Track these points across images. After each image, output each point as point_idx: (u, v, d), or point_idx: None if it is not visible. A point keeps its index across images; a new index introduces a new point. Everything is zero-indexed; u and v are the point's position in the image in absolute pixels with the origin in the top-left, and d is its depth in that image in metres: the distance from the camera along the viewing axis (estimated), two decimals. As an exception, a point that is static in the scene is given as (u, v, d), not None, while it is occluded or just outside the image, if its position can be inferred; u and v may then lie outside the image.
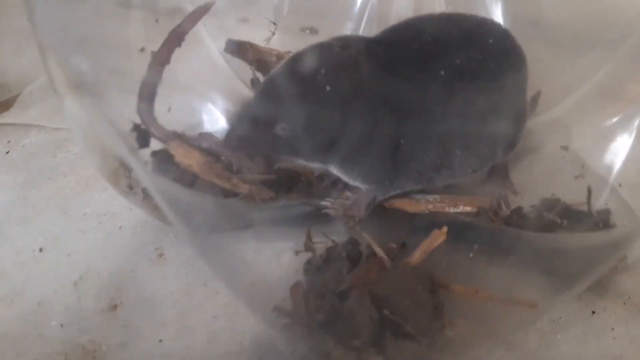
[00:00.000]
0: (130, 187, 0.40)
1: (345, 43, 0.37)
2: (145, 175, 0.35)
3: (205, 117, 0.50)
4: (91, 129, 0.36)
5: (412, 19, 0.43)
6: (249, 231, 0.41)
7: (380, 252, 0.39)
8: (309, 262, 0.38)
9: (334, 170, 0.40)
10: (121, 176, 0.39)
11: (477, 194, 0.46)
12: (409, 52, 0.38)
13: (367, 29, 0.63)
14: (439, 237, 0.38)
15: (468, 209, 0.43)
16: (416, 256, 0.38)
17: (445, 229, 0.39)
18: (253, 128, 0.37)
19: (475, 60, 0.40)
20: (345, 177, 0.40)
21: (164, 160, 0.44)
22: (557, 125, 0.52)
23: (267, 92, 0.38)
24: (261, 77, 0.58)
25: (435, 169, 0.40)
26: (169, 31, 0.46)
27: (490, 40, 0.41)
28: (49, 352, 0.35)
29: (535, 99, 0.56)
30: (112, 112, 0.38)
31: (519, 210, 0.45)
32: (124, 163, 0.37)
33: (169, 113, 0.46)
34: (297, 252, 0.38)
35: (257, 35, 0.60)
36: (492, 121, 0.41)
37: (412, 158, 0.39)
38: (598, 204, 0.46)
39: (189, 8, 0.51)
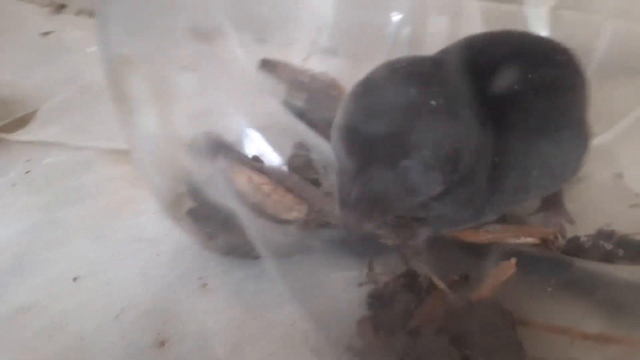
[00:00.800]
0: (190, 214, 0.37)
1: (425, 60, 0.34)
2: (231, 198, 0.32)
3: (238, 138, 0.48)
4: (165, 148, 0.33)
5: (468, 37, 0.41)
6: (307, 259, 0.38)
7: (441, 284, 0.36)
8: (372, 296, 0.36)
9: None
10: (184, 201, 0.36)
11: (532, 223, 0.44)
12: (481, 68, 0.35)
13: (401, 51, 0.61)
14: (508, 268, 0.36)
15: (530, 239, 0.41)
16: (485, 289, 0.36)
17: (514, 260, 0.37)
18: (370, 175, 0.31)
19: (546, 76, 0.38)
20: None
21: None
22: (606, 153, 0.51)
23: (369, 128, 0.31)
24: (294, 97, 0.57)
25: (513, 193, 0.37)
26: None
27: (558, 57, 0.39)
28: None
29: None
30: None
31: (575, 240, 0.44)
32: (192, 187, 0.34)
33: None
34: (360, 284, 0.36)
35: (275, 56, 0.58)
36: (565, 138, 0.39)
37: (500, 184, 0.35)
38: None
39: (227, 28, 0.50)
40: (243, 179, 0.41)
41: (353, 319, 0.35)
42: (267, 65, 0.55)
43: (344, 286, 0.37)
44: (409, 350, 0.32)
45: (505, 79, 0.36)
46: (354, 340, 0.33)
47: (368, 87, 0.32)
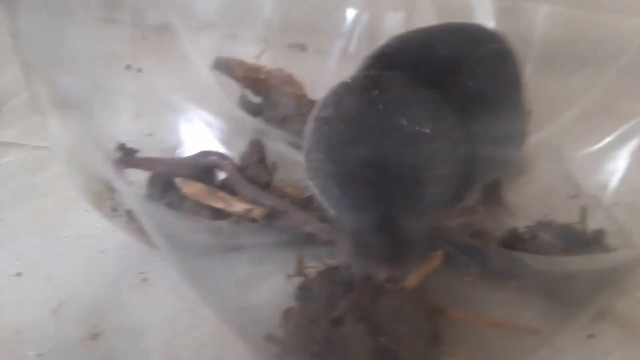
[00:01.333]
0: (114, 210, 0.38)
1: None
2: (131, 197, 0.33)
3: (190, 137, 0.49)
4: (75, 149, 0.35)
5: (400, 37, 0.41)
6: (238, 255, 0.39)
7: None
8: (301, 287, 0.37)
9: None
10: (105, 198, 0.37)
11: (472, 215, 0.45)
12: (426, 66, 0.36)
13: (357, 47, 0.62)
14: (434, 260, 0.37)
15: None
16: (411, 281, 0.37)
17: (441, 252, 0.38)
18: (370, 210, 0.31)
19: (484, 64, 0.38)
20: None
21: (159, 184, 0.43)
22: (550, 145, 0.52)
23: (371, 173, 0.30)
24: (249, 95, 0.58)
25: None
26: (156, 48, 0.45)
27: (491, 45, 0.40)
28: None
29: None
30: (97, 131, 0.37)
31: (514, 231, 0.45)
32: (108, 185, 0.35)
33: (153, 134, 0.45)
34: (288, 276, 0.37)
35: (245, 52, 0.59)
36: (506, 119, 0.39)
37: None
38: (592, 224, 0.45)
39: (177, 24, 0.51)
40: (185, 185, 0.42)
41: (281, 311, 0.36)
42: (221, 64, 0.56)
43: (275, 280, 0.38)
44: (328, 339, 0.33)
45: (451, 73, 0.36)
46: (276, 330, 0.34)
47: (351, 125, 0.31)
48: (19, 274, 0.41)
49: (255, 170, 0.46)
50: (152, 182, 0.44)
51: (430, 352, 0.33)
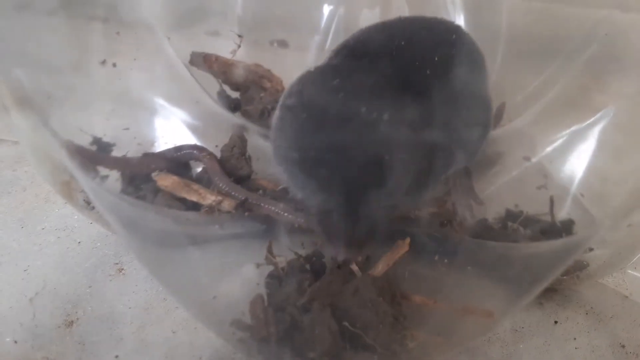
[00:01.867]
0: (88, 202, 0.39)
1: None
2: (90, 191, 0.34)
3: (166, 132, 0.49)
4: (39, 143, 0.35)
5: (363, 30, 0.42)
6: (210, 245, 0.40)
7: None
8: (270, 276, 0.38)
9: None
10: (75, 190, 0.38)
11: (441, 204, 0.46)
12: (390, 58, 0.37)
13: (335, 42, 0.63)
14: (401, 248, 0.39)
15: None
16: (379, 267, 0.38)
17: (408, 240, 0.39)
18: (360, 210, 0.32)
19: (447, 56, 0.39)
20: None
21: (132, 177, 0.44)
22: (521, 136, 0.53)
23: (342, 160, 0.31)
24: (228, 90, 0.59)
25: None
26: (131, 43, 0.46)
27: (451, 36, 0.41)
28: (4, 368, 0.34)
29: (500, 110, 0.57)
30: (67, 125, 0.38)
31: (484, 222, 0.46)
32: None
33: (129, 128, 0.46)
34: (258, 265, 0.38)
35: (227, 48, 0.59)
36: (471, 106, 0.40)
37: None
38: (561, 214, 0.46)
39: (152, 20, 0.51)
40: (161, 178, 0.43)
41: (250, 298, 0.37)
42: (198, 58, 0.56)
43: (245, 270, 0.39)
44: (294, 324, 0.34)
45: (410, 62, 0.37)
46: (244, 317, 0.35)
47: (313, 112, 0.32)
48: (-4, 265, 0.42)
49: (236, 162, 0.47)
50: (126, 175, 0.44)
51: (393, 336, 0.34)
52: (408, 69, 0.36)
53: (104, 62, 0.46)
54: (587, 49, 0.50)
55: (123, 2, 0.46)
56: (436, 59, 0.38)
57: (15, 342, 0.36)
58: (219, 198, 0.40)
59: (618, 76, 0.51)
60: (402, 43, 0.38)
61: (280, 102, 0.35)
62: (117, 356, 0.35)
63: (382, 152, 0.31)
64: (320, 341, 0.33)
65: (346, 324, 0.33)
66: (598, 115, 0.48)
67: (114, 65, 0.45)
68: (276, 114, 0.35)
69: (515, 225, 0.46)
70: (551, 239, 0.44)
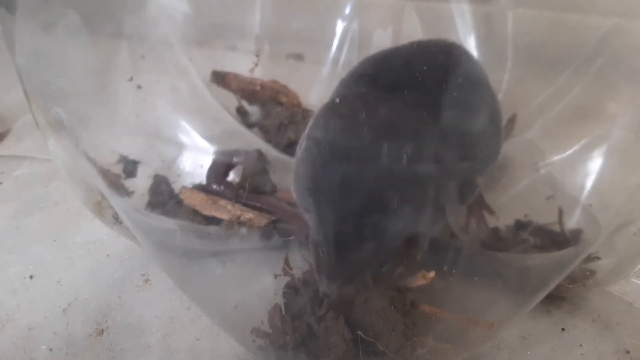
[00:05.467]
0: (116, 218, 0.41)
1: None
2: (119, 208, 0.36)
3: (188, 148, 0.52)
4: (72, 165, 0.38)
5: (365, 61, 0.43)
6: (230, 258, 0.42)
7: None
8: (287, 286, 0.40)
9: None
10: (105, 207, 0.40)
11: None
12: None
13: (349, 56, 0.65)
14: (421, 280, 0.39)
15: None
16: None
17: (432, 274, 0.39)
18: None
19: (450, 76, 0.39)
20: None
21: (159, 193, 0.47)
22: (531, 146, 0.54)
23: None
24: (246, 105, 0.61)
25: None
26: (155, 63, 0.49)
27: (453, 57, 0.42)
28: (38, 375, 0.37)
29: (512, 121, 0.58)
30: (95, 145, 0.40)
31: (496, 231, 0.47)
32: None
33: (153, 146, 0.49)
34: (275, 276, 0.40)
35: (245, 63, 0.62)
36: (481, 123, 0.41)
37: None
38: (570, 224, 0.47)
39: (175, 40, 0.54)
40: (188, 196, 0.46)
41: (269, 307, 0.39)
42: (218, 77, 0.59)
43: (264, 280, 0.41)
44: (310, 332, 0.36)
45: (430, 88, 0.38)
46: (263, 325, 0.37)
47: (335, 150, 0.33)
48: (32, 277, 0.45)
49: (260, 179, 0.50)
50: (153, 191, 0.47)
51: (403, 343, 0.36)
52: (429, 97, 0.37)
53: (131, 79, 0.48)
54: (598, 58, 0.51)
55: (147, 22, 0.49)
56: (454, 83, 0.39)
57: (51, 349, 0.39)
58: (241, 213, 0.43)
59: (628, 85, 0.52)
60: (423, 69, 0.39)
61: (306, 133, 0.35)
62: (144, 363, 0.38)
63: (400, 192, 0.32)
64: (334, 348, 0.35)
65: (359, 332, 0.35)
66: (608, 125, 0.50)
67: (139, 87, 0.48)
68: (301, 144, 0.35)
69: (525, 234, 0.47)
70: (560, 249, 0.45)
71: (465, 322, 0.36)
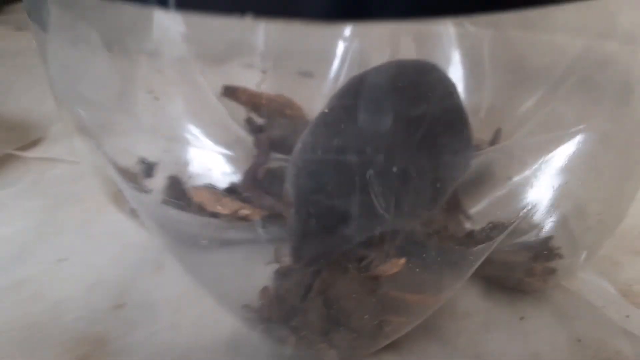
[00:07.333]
0: (133, 211, 0.48)
1: None
2: (132, 201, 0.43)
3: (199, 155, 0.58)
4: (95, 163, 0.45)
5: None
6: (231, 248, 0.49)
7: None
8: (276, 272, 0.46)
9: None
10: (123, 202, 0.47)
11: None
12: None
13: (350, 73, 0.71)
14: (395, 267, 0.44)
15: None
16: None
17: (403, 261, 0.44)
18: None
19: (425, 97, 0.44)
20: None
21: (173, 191, 0.54)
22: (508, 156, 0.59)
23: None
24: (254, 117, 0.68)
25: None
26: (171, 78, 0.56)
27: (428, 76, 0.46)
28: (66, 338, 0.44)
29: (497, 135, 0.63)
30: (115, 148, 0.47)
31: (470, 234, 0.53)
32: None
33: (168, 150, 0.56)
34: (267, 263, 0.46)
35: (255, 79, 0.68)
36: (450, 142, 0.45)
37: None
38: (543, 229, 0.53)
39: (190, 57, 0.61)
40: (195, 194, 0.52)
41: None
42: (228, 91, 0.66)
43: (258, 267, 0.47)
44: (293, 309, 0.43)
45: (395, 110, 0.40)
46: (254, 302, 0.43)
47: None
48: (61, 260, 0.52)
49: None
50: (167, 189, 0.54)
51: (371, 321, 0.42)
52: (403, 111, 0.41)
53: (151, 92, 0.55)
54: (570, 76, 0.56)
55: (163, 39, 0.55)
56: (425, 99, 0.43)
57: (76, 319, 0.46)
58: (239, 208, 0.50)
59: (597, 102, 0.57)
60: (399, 86, 0.43)
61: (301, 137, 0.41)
62: (154, 332, 0.45)
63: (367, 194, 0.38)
64: (312, 323, 0.41)
65: (333, 310, 0.42)
66: (576, 138, 0.55)
67: (157, 98, 0.55)
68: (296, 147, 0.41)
69: (493, 233, 0.53)
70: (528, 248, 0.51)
71: (420, 300, 0.43)
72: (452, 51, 0.66)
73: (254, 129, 0.68)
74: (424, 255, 0.48)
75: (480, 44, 0.65)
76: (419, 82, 0.47)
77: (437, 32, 0.67)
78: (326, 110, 0.43)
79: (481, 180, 0.60)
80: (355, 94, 0.47)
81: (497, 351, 0.45)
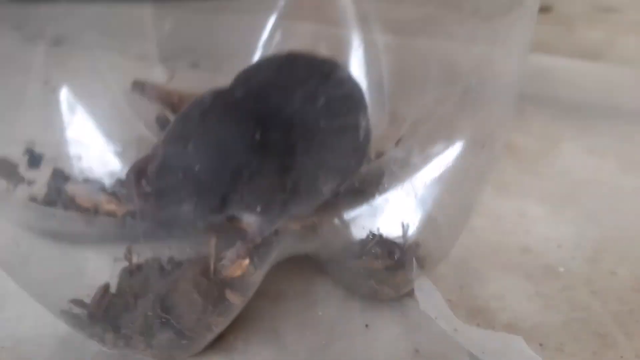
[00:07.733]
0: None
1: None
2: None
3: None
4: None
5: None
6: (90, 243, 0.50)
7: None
8: (123, 270, 0.46)
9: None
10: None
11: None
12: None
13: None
14: (239, 268, 0.45)
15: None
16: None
17: (247, 262, 0.45)
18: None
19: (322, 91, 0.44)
20: None
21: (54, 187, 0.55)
22: (393, 164, 0.59)
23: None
24: (168, 115, 0.68)
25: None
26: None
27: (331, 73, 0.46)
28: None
29: (398, 145, 0.63)
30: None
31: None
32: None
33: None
34: (115, 260, 0.47)
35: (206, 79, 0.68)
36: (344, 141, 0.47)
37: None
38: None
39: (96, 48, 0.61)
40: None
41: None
42: (138, 87, 0.66)
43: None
44: (126, 307, 0.44)
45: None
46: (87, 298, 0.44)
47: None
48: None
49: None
50: (49, 185, 0.55)
51: (199, 323, 0.43)
52: (288, 106, 0.42)
53: (46, 83, 0.55)
54: (462, 83, 0.56)
55: (69, 29, 0.55)
56: (316, 97, 0.43)
57: None
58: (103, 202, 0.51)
59: (484, 109, 0.57)
60: (288, 78, 0.44)
61: None
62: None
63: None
64: (135, 321, 0.42)
65: (158, 310, 0.43)
66: (456, 146, 0.55)
67: (54, 89, 0.55)
68: None
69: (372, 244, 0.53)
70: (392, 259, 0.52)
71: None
72: (359, 58, 0.66)
73: (164, 127, 0.69)
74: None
75: (383, 51, 0.65)
76: (311, 79, 0.45)
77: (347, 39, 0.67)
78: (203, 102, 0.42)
79: (362, 187, 0.60)
80: (246, 82, 0.44)
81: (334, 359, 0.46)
